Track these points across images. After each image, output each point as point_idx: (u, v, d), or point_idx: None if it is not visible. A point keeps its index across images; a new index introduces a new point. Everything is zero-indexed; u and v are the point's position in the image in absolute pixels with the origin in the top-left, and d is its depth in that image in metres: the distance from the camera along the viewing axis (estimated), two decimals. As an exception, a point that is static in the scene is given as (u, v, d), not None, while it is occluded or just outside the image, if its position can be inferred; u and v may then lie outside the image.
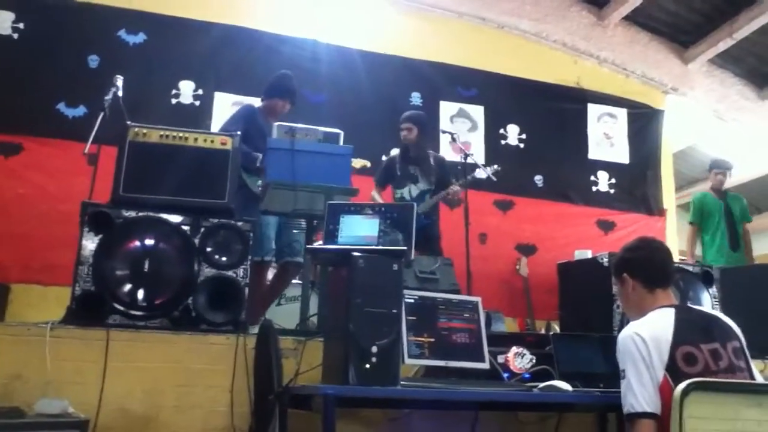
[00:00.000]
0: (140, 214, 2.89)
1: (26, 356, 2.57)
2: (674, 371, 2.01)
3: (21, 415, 2.25)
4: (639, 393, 2.01)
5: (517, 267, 6.15)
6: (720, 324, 2.21)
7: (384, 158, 5.49)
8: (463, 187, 4.74)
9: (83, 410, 2.43)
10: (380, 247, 2.47)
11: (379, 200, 4.94)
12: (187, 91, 5.81)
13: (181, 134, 3.04)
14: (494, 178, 4.96)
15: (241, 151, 3.29)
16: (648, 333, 2.09)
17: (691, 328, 2.12)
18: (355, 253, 2.27)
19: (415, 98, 6.47)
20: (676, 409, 1.86)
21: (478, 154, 6.19)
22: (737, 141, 8.30)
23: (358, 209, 2.69)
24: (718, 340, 2.12)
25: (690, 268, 3.65)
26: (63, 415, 2.28)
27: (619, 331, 3.11)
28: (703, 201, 6.16)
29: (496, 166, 4.98)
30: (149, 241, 2.89)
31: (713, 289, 3.68)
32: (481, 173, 4.85)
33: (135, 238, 2.88)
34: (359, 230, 2.65)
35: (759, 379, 2.18)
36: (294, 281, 4.53)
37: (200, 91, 5.82)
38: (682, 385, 1.87)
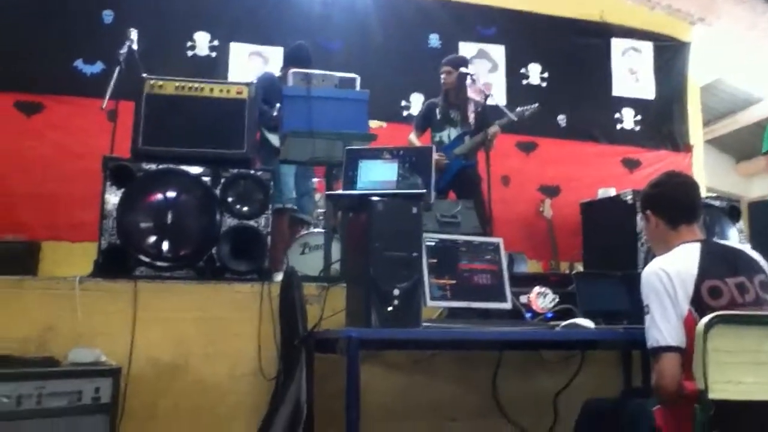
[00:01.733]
0: (160, 166, 2.92)
1: (57, 309, 2.64)
2: (699, 305, 1.99)
3: (55, 364, 2.32)
4: (663, 327, 2.00)
5: (541, 209, 6.09)
6: (746, 257, 2.17)
7: (423, 103, 5.45)
8: (502, 128, 4.67)
9: (115, 359, 2.51)
10: (399, 191, 2.45)
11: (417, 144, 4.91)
12: (202, 42, 5.76)
13: (196, 85, 3.03)
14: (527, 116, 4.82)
15: (260, 109, 3.30)
16: (672, 268, 2.06)
17: (717, 262, 2.09)
18: (374, 198, 2.26)
19: (433, 40, 6.33)
20: (699, 342, 1.85)
21: (499, 96, 6.07)
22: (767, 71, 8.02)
23: (376, 154, 2.67)
24: (743, 273, 2.08)
25: (716, 203, 3.58)
26: (96, 363, 2.35)
27: (643, 268, 3.10)
28: None
29: (536, 105, 4.83)
30: (171, 193, 2.92)
31: (740, 224, 3.62)
32: (515, 115, 4.71)
33: (157, 190, 2.91)
34: (378, 175, 2.63)
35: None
36: (317, 230, 4.57)
37: (216, 42, 5.76)
38: (705, 319, 1.85)
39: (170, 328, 2.72)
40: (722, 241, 2.66)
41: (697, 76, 7.22)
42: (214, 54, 5.75)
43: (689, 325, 1.96)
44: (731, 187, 8.07)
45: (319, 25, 5.94)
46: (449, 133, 4.96)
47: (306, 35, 5.85)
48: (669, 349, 1.98)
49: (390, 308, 2.19)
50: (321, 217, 4.87)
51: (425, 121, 5.11)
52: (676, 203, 2.27)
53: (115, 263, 2.80)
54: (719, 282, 2.03)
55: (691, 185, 2.33)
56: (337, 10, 6.03)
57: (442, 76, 5.00)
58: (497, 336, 2.43)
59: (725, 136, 9.17)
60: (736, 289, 2.03)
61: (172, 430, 2.63)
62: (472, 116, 4.93)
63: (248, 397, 2.71)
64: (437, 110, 5.04)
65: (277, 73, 4.80)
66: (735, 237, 3.53)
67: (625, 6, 6.98)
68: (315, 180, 4.90)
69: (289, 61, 4.65)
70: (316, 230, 4.59)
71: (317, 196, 5.00)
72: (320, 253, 3.82)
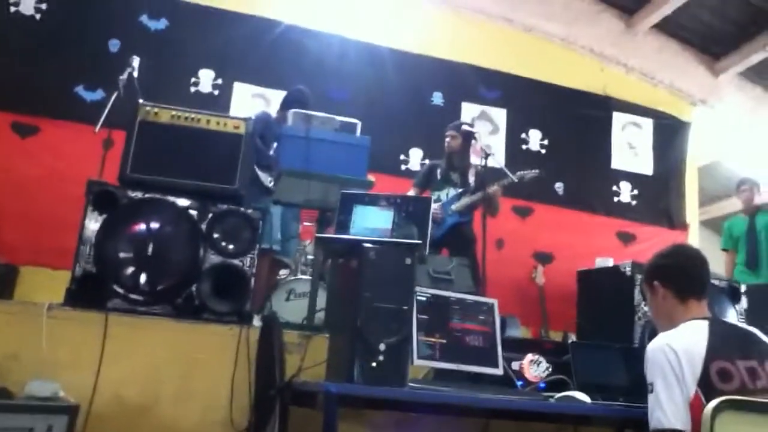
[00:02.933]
0: (147, 195, 2.80)
1: (23, 336, 2.51)
2: (707, 387, 1.87)
3: (8, 396, 2.16)
4: (668, 408, 1.87)
5: (533, 275, 6.00)
6: (757, 340, 2.06)
7: (423, 162, 5.57)
8: (502, 189, 4.66)
9: (77, 395, 2.35)
10: (393, 240, 2.34)
11: None
12: (206, 79, 5.75)
13: (193, 116, 2.95)
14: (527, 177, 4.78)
15: (256, 146, 3.22)
16: (680, 345, 1.94)
17: (727, 342, 1.98)
18: (367, 244, 2.15)
19: (437, 98, 6.36)
20: (705, 428, 1.72)
21: (498, 159, 6.05)
22: (765, 158, 8.08)
23: (372, 200, 2.57)
24: (755, 357, 1.97)
25: (717, 283, 3.49)
26: (53, 399, 2.18)
27: (640, 343, 2.98)
28: (732, 225, 6.03)
29: (537, 170, 4.81)
30: (155, 224, 2.79)
31: (740, 306, 3.52)
32: (516, 177, 4.67)
33: (140, 219, 2.78)
34: (372, 222, 2.53)
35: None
36: (304, 276, 4.44)
37: (220, 81, 5.76)
38: (713, 403, 1.73)
39: (140, 366, 2.58)
40: (732, 321, 2.54)
41: (695, 156, 7.27)
42: (216, 92, 5.73)
43: (695, 408, 1.83)
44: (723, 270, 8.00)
45: (325, 74, 5.96)
46: (448, 192, 4.95)
47: (311, 82, 5.84)
48: (673, 432, 1.84)
49: (375, 364, 2.06)
50: (306, 264, 4.75)
51: (425, 180, 5.10)
52: (686, 275, 2.18)
53: (89, 293, 2.66)
54: (729, 364, 1.91)
55: (702, 259, 2.24)
56: (345, 60, 6.07)
57: (447, 139, 5.03)
58: (487, 403, 2.27)
59: (719, 218, 9.17)
60: (747, 374, 1.91)
61: (130, 478, 2.45)
62: (472, 178, 4.94)
63: (215, 449, 2.53)
64: (438, 171, 5.05)
65: (274, 114, 4.81)
66: (734, 318, 3.42)
67: (628, 82, 7.07)
68: (300, 225, 4.81)
69: (288, 104, 4.65)
70: (303, 277, 4.46)
71: (306, 242, 4.90)
72: (305, 301, 3.68)
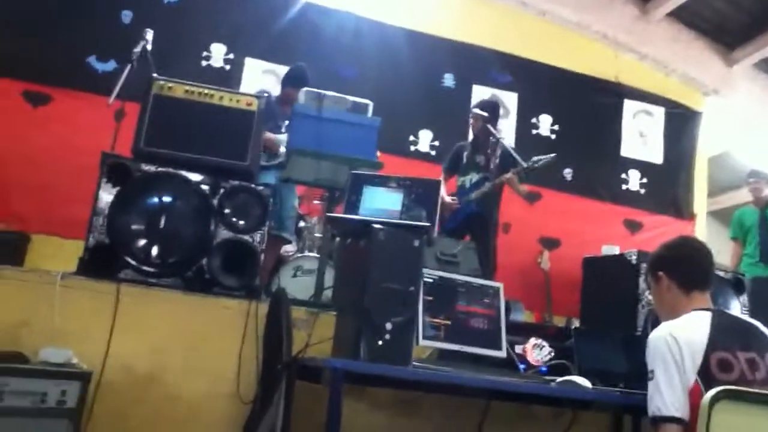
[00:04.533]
0: (160, 169, 2.83)
1: (35, 304, 2.54)
2: (707, 377, 1.90)
3: (24, 361, 2.21)
4: (667, 396, 1.90)
5: (539, 260, 6.01)
6: (758, 333, 2.09)
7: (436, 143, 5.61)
8: (516, 175, 4.60)
9: (88, 363, 2.40)
10: (402, 221, 2.36)
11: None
12: (218, 54, 5.74)
13: (206, 91, 2.96)
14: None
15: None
16: (682, 335, 1.97)
17: (728, 334, 2.00)
18: (376, 225, 2.18)
19: (448, 80, 6.33)
20: (703, 417, 1.75)
21: (508, 143, 6.06)
22: (777, 150, 8.05)
23: (382, 181, 2.58)
24: (755, 349, 2.00)
25: (722, 274, 3.51)
26: (66, 365, 2.24)
27: (643, 330, 3.01)
28: (741, 215, 6.01)
29: (553, 155, 4.69)
30: (167, 198, 2.83)
31: (743, 297, 3.54)
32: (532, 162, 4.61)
33: (153, 192, 2.82)
34: (381, 203, 2.54)
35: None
36: (311, 254, 4.48)
37: (231, 56, 5.75)
38: (711, 392, 1.75)
39: (150, 337, 2.62)
40: (734, 313, 2.57)
41: (706, 146, 7.23)
42: (228, 67, 5.72)
43: (694, 397, 1.87)
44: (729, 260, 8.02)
45: (336, 51, 5.94)
46: (471, 178, 4.92)
47: (322, 59, 5.85)
48: (671, 419, 1.88)
49: (380, 342, 2.09)
50: (313, 241, 4.79)
51: (453, 165, 5.08)
52: (692, 267, 2.20)
53: (101, 263, 2.70)
54: (729, 355, 1.95)
55: (707, 252, 2.26)
56: (356, 38, 6.03)
57: (471, 120, 5.03)
58: (489, 385, 2.32)
59: (728, 209, 9.16)
60: (746, 365, 1.94)
61: (138, 444, 2.50)
62: (496, 161, 4.86)
63: (222, 419, 2.59)
64: (465, 154, 5.02)
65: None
66: (738, 310, 3.45)
67: (640, 69, 7.02)
68: (297, 201, 4.83)
69: (287, 80, 4.71)
70: (310, 254, 4.50)
71: (313, 220, 4.93)
72: (312, 278, 3.72)
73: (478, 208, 4.75)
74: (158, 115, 2.91)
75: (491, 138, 4.78)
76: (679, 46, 7.16)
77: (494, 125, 4.92)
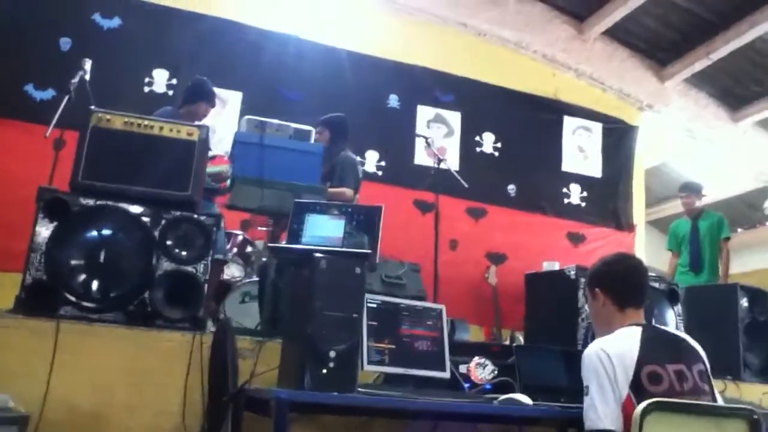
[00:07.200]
0: (99, 202, 2.78)
1: (-30, 345, 2.45)
2: (638, 389, 1.98)
3: (-44, 408, 2.14)
4: (601, 410, 1.98)
5: (486, 275, 6.13)
6: (686, 346, 2.19)
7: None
8: None
9: (27, 404, 2.33)
10: (344, 249, 2.40)
11: None
12: (160, 79, 5.70)
13: (146, 122, 2.93)
14: None
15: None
16: (614, 350, 2.06)
17: (658, 347, 2.10)
18: (317, 254, 2.21)
19: (393, 100, 6.43)
20: (635, 428, 1.83)
21: (453, 160, 6.18)
22: (709, 161, 8.40)
23: (324, 209, 2.62)
24: (683, 361, 2.10)
25: (657, 285, 3.64)
26: (2, 410, 2.17)
27: (583, 345, 3.10)
28: (676, 227, 6.27)
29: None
30: (107, 231, 2.78)
31: (678, 307, 3.68)
32: None
33: (92, 227, 2.77)
34: (324, 230, 2.58)
35: (721, 403, 2.16)
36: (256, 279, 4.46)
37: (174, 81, 5.72)
38: (642, 405, 1.84)
39: (92, 374, 2.55)
40: (663, 327, 2.68)
41: (642, 158, 7.51)
42: (171, 92, 5.69)
43: (627, 410, 1.95)
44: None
45: (280, 73, 5.98)
46: None
47: (267, 83, 5.89)
48: (606, 432, 1.95)
49: (325, 370, 2.11)
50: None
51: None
52: (627, 285, 2.29)
53: (39, 300, 2.63)
54: (659, 368, 2.04)
55: (643, 270, 2.35)
56: (301, 61, 6.08)
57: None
58: (433, 407, 2.36)
59: (666, 218, 9.50)
60: (675, 377, 2.04)
61: (82, 487, 2.45)
62: None
63: (168, 455, 2.55)
64: None
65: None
66: (673, 320, 3.58)
67: (578, 86, 7.27)
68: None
69: (198, 96, 4.57)
70: (257, 279, 4.47)
71: (259, 244, 4.91)
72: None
73: None
74: (97, 148, 2.86)
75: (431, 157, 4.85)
76: (614, 63, 7.44)
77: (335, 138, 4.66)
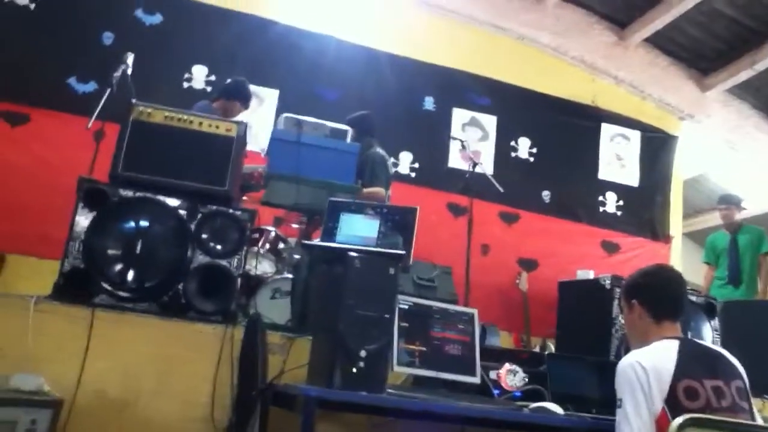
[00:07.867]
0: (137, 194, 2.83)
1: (8, 329, 2.51)
2: (674, 404, 1.94)
3: (-7, 389, 2.19)
4: (634, 423, 1.94)
5: (517, 281, 6.06)
6: (725, 361, 2.14)
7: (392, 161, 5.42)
8: None
9: (60, 389, 2.38)
10: (378, 249, 2.39)
11: None
12: (199, 75, 5.77)
13: (185, 117, 2.97)
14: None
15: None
16: (649, 363, 2.01)
17: (695, 362, 2.05)
18: (352, 253, 2.20)
19: (428, 103, 6.41)
20: (669, 444, 1.79)
21: (487, 165, 6.13)
22: (749, 173, 8.20)
23: (359, 208, 2.62)
24: (721, 377, 2.04)
25: (694, 298, 3.57)
26: (37, 393, 2.22)
27: (616, 355, 3.05)
28: (714, 239, 6.15)
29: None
30: (144, 222, 2.82)
31: (715, 322, 3.60)
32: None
33: (130, 217, 2.81)
34: (358, 230, 2.58)
35: (759, 422, 2.10)
36: (290, 275, 4.47)
37: (213, 77, 5.77)
38: (678, 420, 1.79)
39: (124, 362, 2.60)
40: (701, 342, 2.62)
41: (681, 169, 7.36)
42: (209, 89, 5.74)
43: (661, 424, 1.90)
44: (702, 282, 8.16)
45: (317, 73, 6.00)
46: None
47: (304, 81, 5.91)
48: (638, 447, 1.91)
49: (355, 369, 2.11)
50: (292, 264, 4.77)
51: None
52: (664, 298, 2.24)
53: (76, 288, 2.68)
54: (696, 383, 1.98)
55: (681, 283, 2.30)
56: (338, 60, 6.09)
57: None
58: (462, 411, 2.34)
59: (703, 231, 9.30)
60: (712, 393, 1.98)
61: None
62: None
63: (195, 445, 2.57)
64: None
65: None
66: (709, 334, 3.50)
67: (617, 93, 7.15)
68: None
69: (236, 95, 4.64)
70: (289, 276, 4.48)
71: (291, 240, 4.92)
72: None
73: None
74: (137, 141, 2.91)
75: (466, 160, 4.83)
76: (654, 71, 7.31)
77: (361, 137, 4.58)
